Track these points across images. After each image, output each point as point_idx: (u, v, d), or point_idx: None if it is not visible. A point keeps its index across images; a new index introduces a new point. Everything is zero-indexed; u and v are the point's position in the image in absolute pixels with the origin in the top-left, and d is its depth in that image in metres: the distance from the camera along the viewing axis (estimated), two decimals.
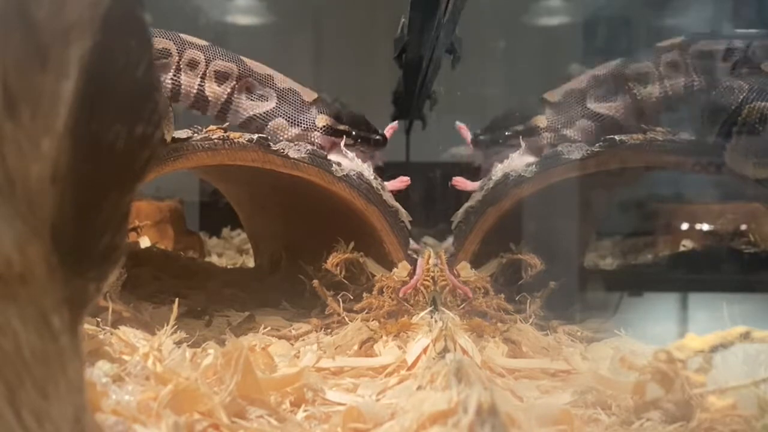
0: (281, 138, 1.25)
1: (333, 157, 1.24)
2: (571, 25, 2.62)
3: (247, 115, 1.26)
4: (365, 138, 1.29)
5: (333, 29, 3.03)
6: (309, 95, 1.29)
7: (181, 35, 1.26)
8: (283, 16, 3.01)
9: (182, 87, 1.24)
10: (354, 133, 1.28)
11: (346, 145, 1.26)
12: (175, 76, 1.24)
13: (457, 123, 1.37)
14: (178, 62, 1.24)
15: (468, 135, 1.34)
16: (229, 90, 1.25)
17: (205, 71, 1.25)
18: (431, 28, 1.60)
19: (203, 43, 1.27)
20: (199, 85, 1.25)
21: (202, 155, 1.14)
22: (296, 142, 1.23)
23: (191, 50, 1.25)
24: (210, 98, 1.25)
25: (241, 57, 1.28)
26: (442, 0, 1.45)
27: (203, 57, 1.25)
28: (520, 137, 1.27)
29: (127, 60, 0.47)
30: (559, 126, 1.27)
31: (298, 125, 1.26)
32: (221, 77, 1.25)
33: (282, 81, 1.29)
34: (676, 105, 1.25)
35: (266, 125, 1.26)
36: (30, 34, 0.43)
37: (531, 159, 1.24)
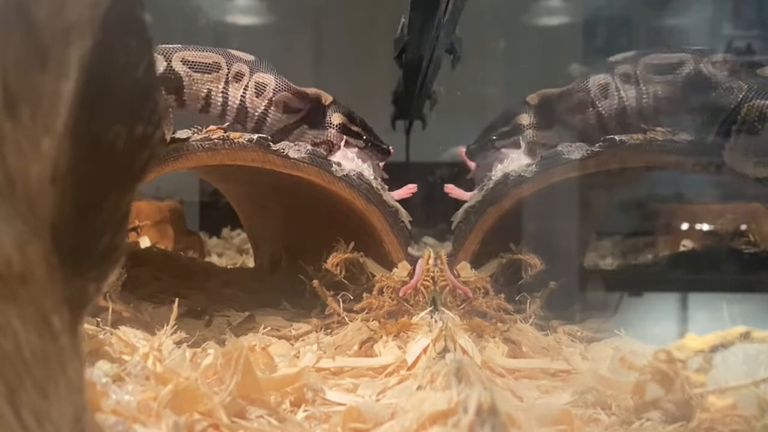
0: (302, 140, 1.29)
1: (337, 155, 1.25)
2: (571, 25, 2.62)
3: (280, 126, 1.30)
4: (374, 144, 1.32)
5: (333, 29, 3.03)
6: (326, 98, 1.32)
7: (230, 51, 1.30)
8: (283, 16, 3.01)
9: (229, 99, 1.27)
10: (365, 137, 1.31)
11: (355, 146, 1.29)
12: (224, 88, 1.27)
13: (459, 149, 1.43)
14: (227, 75, 1.27)
15: (471, 164, 1.39)
16: (266, 103, 1.28)
17: (248, 83, 1.28)
18: (431, 28, 1.60)
19: (249, 57, 1.31)
20: (241, 96, 1.28)
21: (202, 155, 1.14)
22: (309, 140, 1.27)
23: (238, 64, 1.29)
24: (249, 109, 1.28)
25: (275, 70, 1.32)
26: (442, 0, 1.45)
27: (247, 69, 1.29)
28: (507, 137, 1.32)
29: (127, 60, 0.47)
30: (540, 127, 1.30)
31: (316, 127, 1.30)
32: (260, 89, 1.28)
33: (312, 91, 1.32)
34: (641, 113, 1.26)
35: (293, 132, 1.30)
36: (30, 34, 0.43)
37: (525, 159, 1.26)
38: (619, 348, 0.98)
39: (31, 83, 0.43)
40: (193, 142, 1.13)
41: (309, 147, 1.20)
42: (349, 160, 1.25)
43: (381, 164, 1.33)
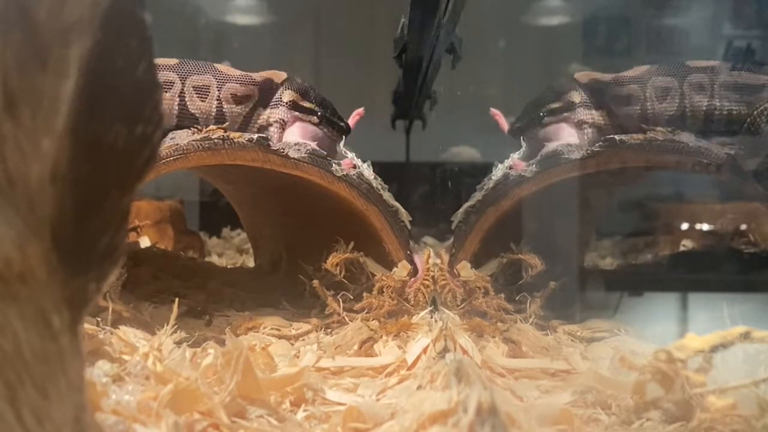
0: (257, 123, 1.25)
1: (291, 132, 1.24)
2: (571, 25, 2.62)
3: (240, 121, 1.26)
4: (330, 121, 1.28)
5: (333, 29, 3.04)
6: (278, 77, 1.29)
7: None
8: (283, 16, 3.02)
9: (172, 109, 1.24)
10: (320, 113, 1.27)
11: (308, 122, 1.26)
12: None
13: (492, 109, 1.37)
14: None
15: (504, 123, 1.34)
16: (216, 103, 1.25)
17: (182, 89, 1.24)
18: (431, 28, 1.60)
19: (173, 62, 1.26)
20: (179, 105, 1.24)
21: (202, 155, 1.14)
22: (266, 123, 1.24)
23: (163, 72, 1.23)
24: (197, 115, 1.24)
25: (214, 65, 1.28)
26: (442, 0, 1.45)
27: (177, 76, 1.24)
28: (557, 114, 1.27)
29: (128, 59, 0.47)
30: (590, 105, 1.27)
31: (268, 106, 1.26)
32: (202, 92, 1.25)
33: (259, 75, 1.29)
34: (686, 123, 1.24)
35: (252, 117, 1.26)
36: (30, 34, 0.43)
37: (571, 131, 1.25)
38: (619, 348, 0.98)
39: (31, 83, 0.43)
40: (193, 142, 1.13)
41: (309, 147, 1.20)
42: (300, 136, 1.23)
43: (341, 142, 1.29)
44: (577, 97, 1.27)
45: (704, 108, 1.22)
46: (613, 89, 1.27)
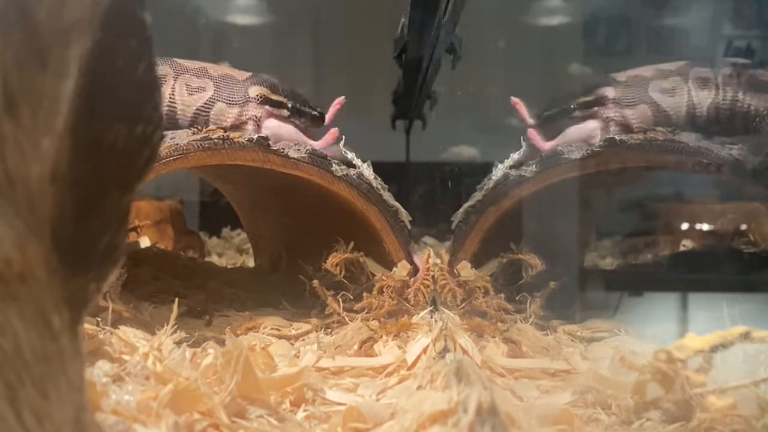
0: (224, 122, 1.25)
1: (267, 125, 1.24)
2: (571, 25, 2.62)
3: (192, 111, 1.25)
4: (302, 111, 1.28)
5: (333, 29, 3.03)
6: (242, 74, 1.29)
7: None
8: (283, 16, 3.01)
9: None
10: (290, 105, 1.26)
11: (281, 116, 1.26)
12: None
13: (513, 98, 1.33)
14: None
15: (525, 113, 1.31)
16: (169, 92, 1.25)
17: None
18: (431, 28, 1.60)
19: None
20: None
21: (202, 155, 1.14)
22: (237, 121, 1.24)
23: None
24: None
25: (173, 58, 1.28)
26: (442, 0, 1.45)
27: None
28: (589, 107, 1.26)
29: (128, 59, 0.47)
30: (625, 102, 1.25)
31: (235, 104, 1.25)
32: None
33: (215, 69, 1.28)
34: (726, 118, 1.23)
35: (209, 115, 1.25)
36: (30, 34, 0.43)
37: (597, 125, 1.23)
38: (619, 348, 0.98)
39: (31, 83, 0.43)
40: (193, 142, 1.13)
41: (309, 147, 1.20)
42: (282, 132, 1.23)
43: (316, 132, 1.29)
44: (610, 92, 1.25)
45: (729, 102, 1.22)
46: (657, 79, 1.25)
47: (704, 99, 1.22)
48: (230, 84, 1.27)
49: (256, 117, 1.24)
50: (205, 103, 1.25)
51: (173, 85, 1.24)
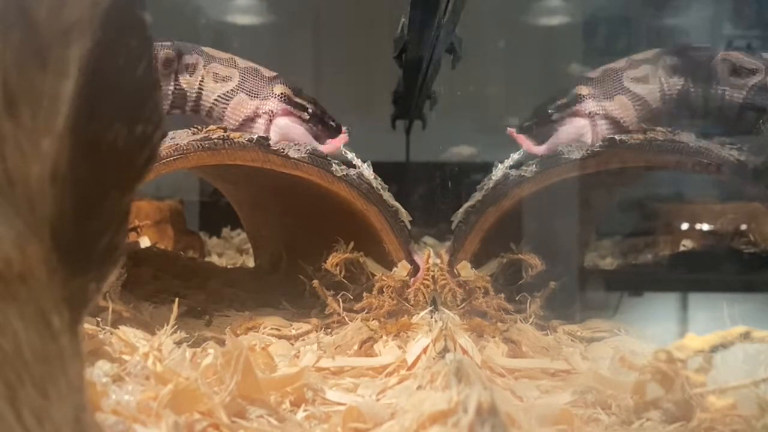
0: (241, 113, 1.25)
1: (278, 122, 1.24)
2: (571, 25, 2.62)
3: (213, 98, 1.26)
4: (321, 119, 1.28)
5: (333, 29, 3.03)
6: (269, 72, 1.30)
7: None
8: (283, 16, 3.02)
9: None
10: (311, 110, 1.27)
11: (299, 118, 1.26)
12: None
13: (509, 129, 1.32)
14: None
15: (525, 142, 1.29)
16: (198, 80, 1.26)
17: (177, 67, 1.27)
18: (431, 28, 1.60)
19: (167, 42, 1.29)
20: (174, 81, 1.27)
21: (202, 155, 1.14)
22: (254, 114, 1.25)
23: (164, 51, 1.26)
24: (186, 90, 1.27)
25: (202, 47, 1.30)
26: (442, 0, 1.45)
27: (174, 54, 1.27)
28: (567, 108, 1.26)
29: (127, 59, 0.47)
30: (600, 96, 1.25)
31: (257, 97, 1.26)
32: (191, 69, 1.27)
33: (243, 62, 1.30)
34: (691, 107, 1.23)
35: (229, 104, 1.26)
36: (30, 34, 0.43)
37: (583, 122, 1.24)
38: (619, 348, 0.98)
39: (31, 83, 0.43)
40: (193, 142, 1.13)
41: (309, 147, 1.20)
42: (285, 128, 1.23)
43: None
44: (584, 89, 1.26)
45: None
46: (629, 70, 1.26)
47: (674, 85, 1.23)
48: (256, 78, 1.28)
49: (272, 112, 1.25)
50: (228, 92, 1.26)
51: (203, 73, 1.27)
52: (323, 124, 1.28)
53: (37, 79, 0.43)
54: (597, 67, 1.31)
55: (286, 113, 1.26)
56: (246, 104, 1.26)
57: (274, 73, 1.30)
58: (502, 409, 0.55)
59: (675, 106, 1.24)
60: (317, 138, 1.27)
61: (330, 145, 1.24)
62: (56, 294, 0.46)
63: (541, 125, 1.28)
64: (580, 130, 1.23)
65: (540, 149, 1.24)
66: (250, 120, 1.25)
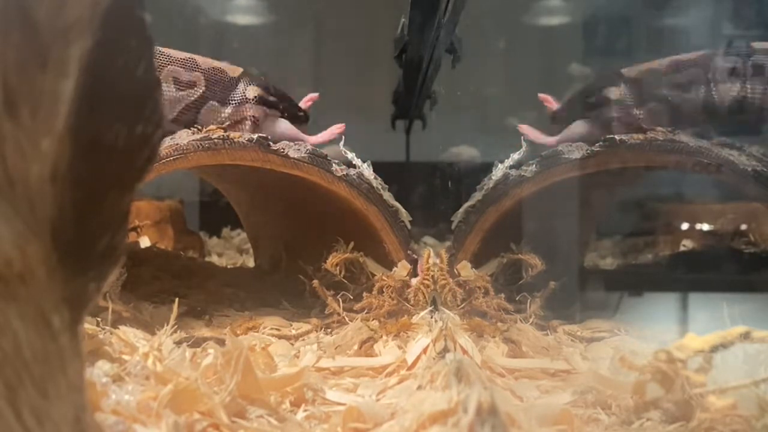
0: (215, 121, 1.23)
1: (280, 125, 1.24)
2: (571, 25, 2.62)
3: (180, 107, 1.22)
4: (291, 113, 1.28)
5: (333, 29, 3.03)
6: (234, 71, 1.26)
7: None
8: (283, 16, 3.01)
9: None
10: (282, 106, 1.26)
11: (275, 116, 1.26)
12: None
13: (520, 125, 1.30)
14: None
15: (532, 132, 1.28)
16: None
17: None
18: (431, 28, 1.60)
19: None
20: None
21: (202, 155, 1.14)
22: (231, 121, 1.23)
23: None
24: None
25: (158, 47, 1.24)
26: (442, 0, 1.45)
27: None
28: (591, 110, 1.24)
29: (127, 59, 0.47)
30: (630, 102, 1.22)
31: (229, 103, 1.24)
32: None
33: (205, 62, 1.26)
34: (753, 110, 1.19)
35: (200, 112, 1.23)
36: (30, 33, 0.43)
37: (587, 129, 1.22)
38: (619, 348, 0.98)
39: (31, 83, 0.43)
40: (193, 142, 1.13)
41: (309, 146, 1.20)
42: (283, 130, 1.23)
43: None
44: (615, 93, 1.23)
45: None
46: (671, 74, 1.21)
47: (726, 91, 1.20)
48: (222, 81, 1.24)
49: (254, 117, 1.24)
50: (196, 101, 1.22)
51: (162, 77, 1.20)
52: (294, 118, 1.28)
53: (37, 79, 0.43)
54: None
55: (265, 114, 1.25)
56: (218, 112, 1.23)
57: (240, 70, 1.27)
58: (502, 409, 0.55)
59: (728, 113, 1.19)
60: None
61: (327, 133, 1.24)
62: (56, 294, 0.46)
63: (571, 119, 1.27)
64: (590, 131, 1.23)
65: (551, 140, 1.23)
66: (230, 128, 1.23)
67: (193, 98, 1.22)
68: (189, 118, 1.22)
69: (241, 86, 1.25)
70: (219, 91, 1.23)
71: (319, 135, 1.27)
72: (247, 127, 1.23)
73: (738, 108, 1.19)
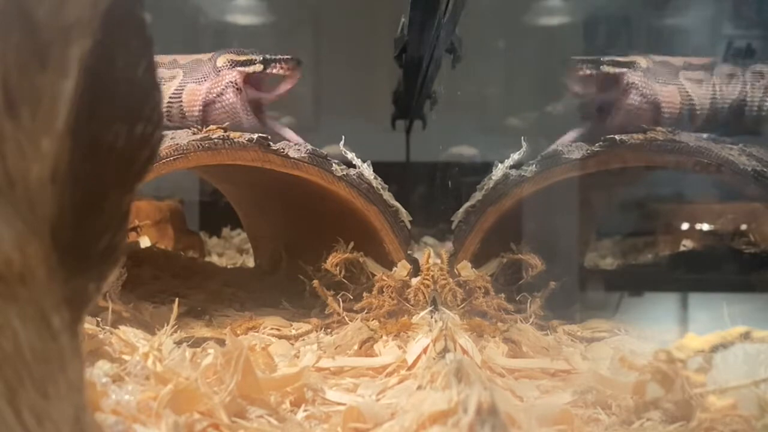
0: (196, 102, 1.24)
1: (251, 93, 1.24)
2: (571, 25, 2.61)
3: (166, 102, 1.24)
4: (275, 59, 1.26)
5: (333, 29, 3.03)
6: (206, 55, 1.28)
7: None
8: (283, 16, 3.01)
9: None
10: (260, 57, 1.25)
11: (256, 73, 1.25)
12: None
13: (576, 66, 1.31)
14: None
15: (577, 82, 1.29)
16: None
17: None
18: (431, 28, 1.60)
19: None
20: None
21: (202, 155, 1.14)
22: (213, 95, 1.23)
23: None
24: None
25: None
26: (442, 0, 1.45)
27: None
28: (618, 66, 1.25)
29: (127, 59, 0.47)
30: (654, 79, 1.24)
31: (205, 79, 1.25)
32: None
33: (184, 58, 1.28)
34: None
35: (182, 100, 1.24)
36: (30, 33, 0.43)
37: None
38: (619, 348, 0.98)
39: (31, 83, 0.43)
40: (193, 142, 1.13)
41: (309, 146, 1.20)
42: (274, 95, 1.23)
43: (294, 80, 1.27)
44: (644, 61, 1.24)
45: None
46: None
47: (728, 95, 1.22)
48: (197, 66, 1.26)
49: (233, 83, 1.23)
50: (176, 90, 1.24)
51: None
52: (278, 62, 1.26)
53: (37, 79, 0.43)
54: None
55: (244, 76, 1.24)
56: (197, 91, 1.24)
57: (211, 53, 1.28)
58: (502, 409, 0.55)
59: (726, 115, 1.23)
60: (285, 79, 1.26)
61: (279, 90, 1.23)
62: (56, 294, 0.46)
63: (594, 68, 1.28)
64: (607, 97, 1.22)
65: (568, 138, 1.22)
66: (211, 103, 1.23)
67: (173, 88, 1.24)
68: (175, 110, 1.24)
69: (212, 62, 1.26)
70: (196, 74, 1.25)
71: (280, 87, 1.25)
72: (230, 95, 1.23)
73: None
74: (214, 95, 1.24)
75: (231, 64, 1.25)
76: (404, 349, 0.97)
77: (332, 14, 3.01)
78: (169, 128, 1.22)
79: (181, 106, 1.24)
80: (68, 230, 0.46)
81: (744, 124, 1.24)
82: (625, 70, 1.25)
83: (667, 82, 1.24)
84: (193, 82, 1.25)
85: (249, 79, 1.26)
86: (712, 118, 1.24)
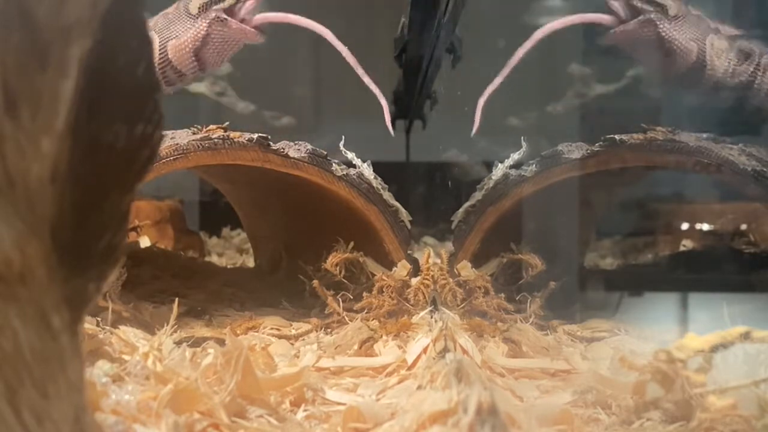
0: (186, 54, 1.22)
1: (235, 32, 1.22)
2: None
3: (158, 69, 1.21)
4: None
5: (333, 29, 3.03)
6: (169, 9, 1.26)
7: None
8: None
9: None
10: None
11: (230, 10, 1.23)
12: None
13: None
14: None
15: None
16: None
17: None
18: (431, 28, 1.60)
19: None
20: None
21: (202, 155, 1.14)
22: (200, 42, 1.22)
23: None
24: None
25: None
26: (442, 0, 1.45)
27: None
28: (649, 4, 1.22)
29: (127, 59, 0.47)
30: (680, 23, 1.22)
31: (184, 30, 1.23)
32: None
33: (153, 22, 1.25)
34: None
35: (169, 60, 1.22)
36: (30, 33, 0.43)
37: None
38: (619, 348, 0.98)
39: (31, 83, 0.43)
40: (193, 142, 1.13)
41: (309, 146, 1.20)
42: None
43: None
44: (674, 8, 1.21)
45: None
46: None
47: (739, 74, 1.20)
48: (166, 21, 1.23)
49: (219, 18, 1.21)
50: (159, 54, 1.22)
51: None
52: None
53: (37, 79, 0.43)
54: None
55: (227, 11, 1.22)
56: (182, 45, 1.22)
57: (174, 4, 1.25)
58: (502, 409, 0.55)
59: (728, 95, 1.21)
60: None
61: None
62: (56, 294, 0.46)
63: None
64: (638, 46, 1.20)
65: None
66: (201, 47, 1.22)
67: (156, 55, 1.21)
68: (170, 72, 1.23)
69: (181, 11, 1.24)
70: (168, 30, 1.23)
71: (270, 15, 1.25)
72: (217, 31, 1.21)
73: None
74: (201, 39, 1.22)
75: (206, 6, 1.22)
76: (404, 349, 0.97)
77: (332, 14, 3.01)
78: (175, 90, 1.21)
79: (173, 65, 1.23)
80: (68, 230, 0.46)
81: (745, 111, 1.23)
82: (650, 8, 1.22)
83: (690, 33, 1.22)
84: (173, 38, 1.22)
85: (230, 13, 1.24)
86: (714, 93, 1.23)
